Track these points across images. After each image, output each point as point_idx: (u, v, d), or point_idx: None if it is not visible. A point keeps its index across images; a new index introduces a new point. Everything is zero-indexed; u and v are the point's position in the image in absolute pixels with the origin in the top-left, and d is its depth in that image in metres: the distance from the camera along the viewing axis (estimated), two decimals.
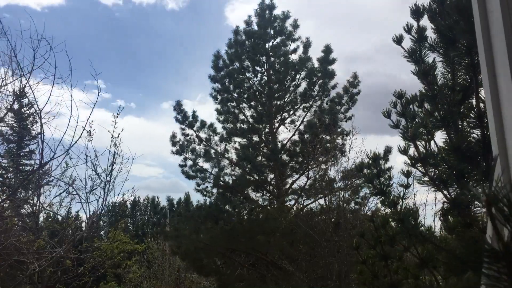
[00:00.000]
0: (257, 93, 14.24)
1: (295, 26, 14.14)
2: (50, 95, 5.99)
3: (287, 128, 14.20)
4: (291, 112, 14.24)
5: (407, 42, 2.68)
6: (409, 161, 2.42)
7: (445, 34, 2.58)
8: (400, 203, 2.54)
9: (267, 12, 14.10)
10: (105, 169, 7.40)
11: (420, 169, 2.44)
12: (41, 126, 6.06)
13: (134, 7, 45.61)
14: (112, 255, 8.73)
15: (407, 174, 2.54)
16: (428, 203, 8.21)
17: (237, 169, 13.89)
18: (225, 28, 41.33)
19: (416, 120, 2.51)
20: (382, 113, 2.55)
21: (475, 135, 2.54)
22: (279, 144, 13.90)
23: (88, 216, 7.40)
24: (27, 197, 7.70)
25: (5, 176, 17.04)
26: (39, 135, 6.12)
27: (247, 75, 14.30)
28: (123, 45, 47.52)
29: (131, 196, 8.99)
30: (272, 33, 14.08)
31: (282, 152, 13.67)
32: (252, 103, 14.19)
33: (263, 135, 14.26)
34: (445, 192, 2.51)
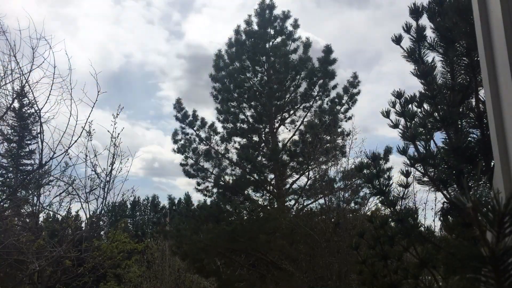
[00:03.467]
0: (257, 93, 14.23)
1: (295, 26, 14.14)
2: (50, 94, 6.00)
3: (287, 128, 14.21)
4: (291, 112, 14.24)
5: (406, 42, 2.67)
6: (408, 161, 2.42)
7: (445, 33, 2.57)
8: (400, 203, 2.54)
9: (267, 12, 14.09)
10: (104, 169, 7.40)
11: (420, 169, 2.44)
12: (41, 125, 6.07)
13: None
14: (112, 255, 8.72)
15: (407, 174, 2.54)
16: (428, 203, 8.19)
17: (237, 169, 13.89)
18: None
19: (415, 120, 2.51)
20: (381, 112, 2.55)
21: (474, 135, 2.54)
22: (279, 144, 13.89)
23: (88, 216, 7.40)
24: (27, 197, 7.69)
25: (5, 176, 17.05)
26: (39, 135, 6.13)
27: (248, 75, 14.29)
28: None
29: (131, 196, 8.99)
30: (272, 33, 14.08)
31: (282, 152, 13.66)
32: (252, 103, 14.18)
33: (263, 135, 14.25)
34: (445, 192, 2.50)
